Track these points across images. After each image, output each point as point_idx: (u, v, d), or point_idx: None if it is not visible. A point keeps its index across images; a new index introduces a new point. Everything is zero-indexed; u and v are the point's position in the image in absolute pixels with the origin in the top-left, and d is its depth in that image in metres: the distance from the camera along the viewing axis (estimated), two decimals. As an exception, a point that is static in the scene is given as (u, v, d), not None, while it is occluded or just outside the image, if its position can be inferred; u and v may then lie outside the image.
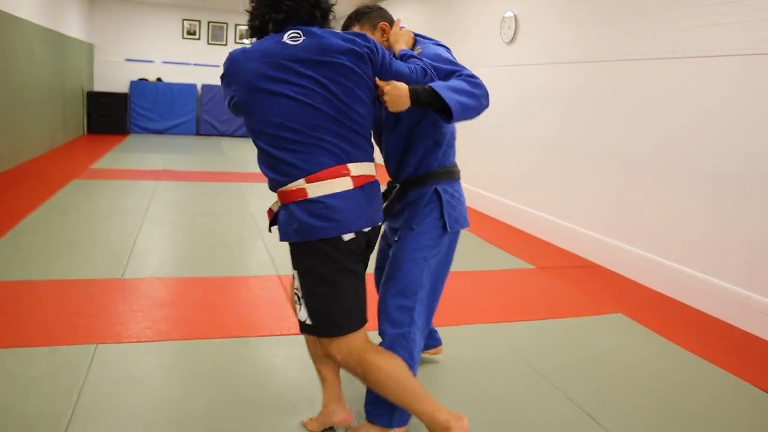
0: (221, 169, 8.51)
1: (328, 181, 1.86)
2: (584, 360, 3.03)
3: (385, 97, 1.91)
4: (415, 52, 2.18)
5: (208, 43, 13.15)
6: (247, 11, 2.01)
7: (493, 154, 6.48)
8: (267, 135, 1.89)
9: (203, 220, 5.52)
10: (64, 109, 9.82)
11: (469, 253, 4.74)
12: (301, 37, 1.89)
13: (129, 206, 5.75)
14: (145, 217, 5.35)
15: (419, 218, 2.19)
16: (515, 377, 2.80)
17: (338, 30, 2.02)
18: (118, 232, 4.80)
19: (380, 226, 2.05)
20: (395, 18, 2.33)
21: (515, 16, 6.07)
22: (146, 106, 12.32)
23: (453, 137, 2.31)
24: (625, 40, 4.58)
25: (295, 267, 1.96)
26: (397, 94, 1.90)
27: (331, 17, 2.02)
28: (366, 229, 1.94)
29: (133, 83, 12.29)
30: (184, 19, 12.91)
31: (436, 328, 2.84)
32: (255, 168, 8.54)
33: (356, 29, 2.28)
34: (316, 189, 1.85)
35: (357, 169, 1.92)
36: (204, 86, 12.68)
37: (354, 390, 2.47)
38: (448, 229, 2.19)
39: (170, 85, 12.50)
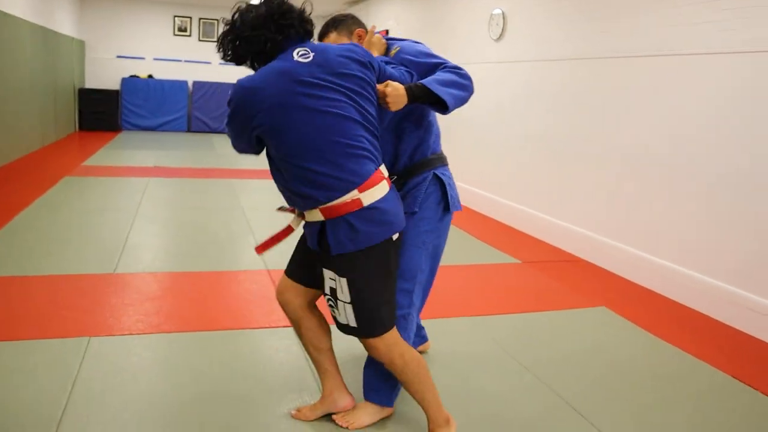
0: (212, 166, 8.56)
1: (375, 187, 1.97)
2: (566, 351, 3.12)
3: (388, 99, 2.02)
4: (393, 53, 2.30)
5: (199, 40, 13.16)
6: (238, 39, 1.99)
7: (481, 151, 6.56)
8: (311, 152, 1.90)
9: (194, 216, 5.58)
10: (56, 106, 9.83)
11: (456, 248, 4.82)
12: (310, 53, 1.96)
13: (121, 203, 5.80)
14: (137, 213, 5.41)
15: (420, 202, 2.30)
16: (498, 369, 2.88)
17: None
18: (110, 228, 4.86)
19: None
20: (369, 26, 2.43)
21: (503, 13, 6.15)
22: (137, 103, 12.33)
23: (437, 126, 2.43)
24: (614, 38, 4.66)
25: (343, 275, 2.00)
26: (397, 94, 2.03)
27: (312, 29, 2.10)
28: None
29: (124, 80, 12.29)
30: (175, 16, 12.91)
31: (423, 324, 2.91)
32: (246, 165, 8.60)
33: (333, 36, 2.38)
34: (369, 197, 1.95)
35: (384, 170, 2.06)
36: (195, 83, 12.70)
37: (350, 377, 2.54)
38: (450, 209, 2.33)
39: (161, 82, 12.51)
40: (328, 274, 2.05)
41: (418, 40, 2.39)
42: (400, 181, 2.34)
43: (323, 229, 1.99)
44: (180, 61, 13.02)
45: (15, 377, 2.49)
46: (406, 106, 2.08)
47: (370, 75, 2.03)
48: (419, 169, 2.32)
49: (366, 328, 2.06)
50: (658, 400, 2.68)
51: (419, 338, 2.87)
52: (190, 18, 13.02)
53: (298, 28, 2.01)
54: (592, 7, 4.90)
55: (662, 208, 4.18)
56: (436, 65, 2.20)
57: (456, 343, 3.11)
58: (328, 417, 2.34)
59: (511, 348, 3.10)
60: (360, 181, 1.94)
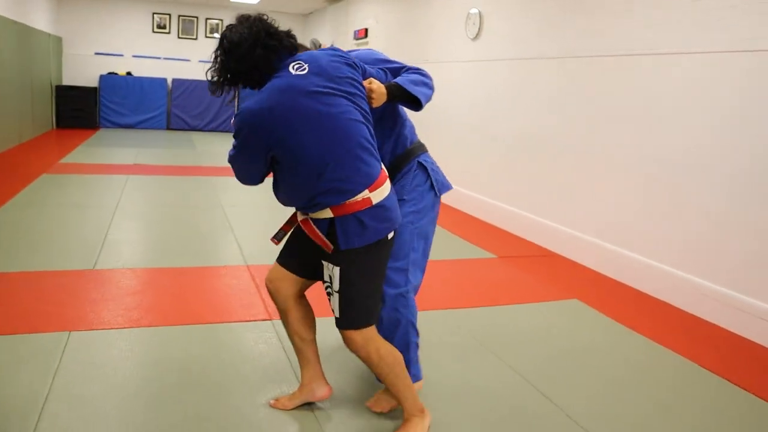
0: (192, 163, 8.56)
1: (383, 186, 2.06)
2: (538, 341, 3.22)
3: (373, 95, 2.13)
4: None
5: (179, 37, 13.11)
6: (229, 71, 2.03)
7: (459, 149, 6.64)
8: (331, 161, 1.96)
9: (174, 212, 5.60)
10: (32, 103, 9.75)
11: (434, 244, 4.89)
12: (304, 65, 2.02)
13: (100, 200, 5.80)
14: (116, 210, 5.42)
15: (408, 190, 2.40)
16: (473, 359, 2.97)
17: None
18: (90, 225, 4.87)
19: None
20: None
21: (480, 13, 6.24)
22: (116, 100, 12.25)
23: (409, 118, 2.55)
24: (591, 37, 4.75)
25: (337, 264, 2.06)
26: (380, 91, 2.15)
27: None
28: None
29: (102, 77, 12.20)
30: (154, 13, 12.85)
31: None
32: (226, 162, 8.59)
33: None
34: (378, 195, 2.04)
35: (385, 169, 2.14)
36: (174, 80, 12.65)
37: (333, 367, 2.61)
38: (437, 193, 2.45)
39: (140, 80, 12.44)
40: (325, 263, 2.12)
41: (372, 49, 2.50)
42: (390, 176, 2.42)
43: (331, 225, 2.06)
44: (159, 58, 12.97)
45: (-5, 370, 2.52)
46: (383, 103, 2.19)
47: (358, 74, 2.11)
48: (404, 161, 2.42)
49: (348, 319, 2.12)
50: (627, 385, 2.79)
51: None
52: (169, 15, 12.97)
53: (286, 43, 2.06)
54: (569, 7, 4.99)
55: (634, 204, 4.30)
56: (400, 68, 2.36)
57: (433, 334, 3.19)
58: (305, 406, 2.40)
59: (486, 339, 3.18)
60: (371, 182, 2.02)
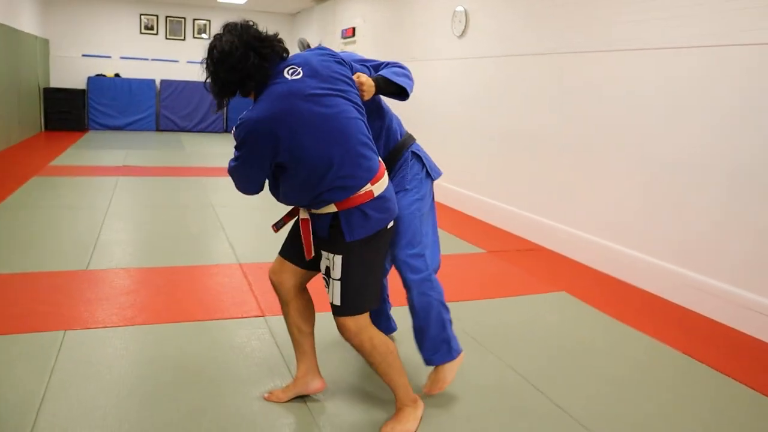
0: (182, 164, 8.57)
1: (383, 178, 2.13)
2: (527, 332, 3.29)
3: (364, 88, 2.18)
4: None
5: (166, 38, 13.09)
6: (221, 82, 2.03)
7: (447, 146, 6.70)
8: (336, 161, 2.00)
9: (165, 213, 5.62)
10: (20, 105, 9.72)
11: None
12: (297, 68, 2.04)
13: (91, 201, 5.81)
14: (108, 211, 5.44)
15: (409, 179, 2.48)
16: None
17: None
18: (82, 226, 4.89)
19: None
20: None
21: (465, 10, 6.30)
22: (104, 102, 12.22)
23: (393, 112, 2.62)
24: (577, 33, 4.81)
25: (339, 253, 2.11)
26: (369, 83, 2.21)
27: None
28: None
29: (90, 79, 12.17)
30: (141, 14, 12.83)
31: (394, 310, 3.05)
32: (216, 163, 8.64)
33: None
34: (379, 187, 2.11)
35: (382, 161, 2.21)
36: (163, 81, 12.63)
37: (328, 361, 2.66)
38: (432, 177, 2.57)
39: (128, 81, 12.42)
40: (324, 254, 2.17)
41: (351, 52, 2.58)
42: (387, 168, 2.48)
43: (335, 218, 2.11)
44: (147, 59, 12.94)
45: (-8, 370, 2.56)
46: (372, 96, 2.26)
47: (347, 70, 2.16)
48: (398, 153, 2.50)
49: (345, 306, 2.16)
50: (614, 375, 2.86)
51: (388, 329, 3.00)
52: (157, 16, 12.95)
53: (277, 48, 2.08)
54: (555, 3, 5.06)
55: (621, 198, 4.37)
56: (379, 64, 2.43)
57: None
58: (299, 399, 2.45)
59: (475, 331, 3.24)
60: (372, 175, 2.08)
